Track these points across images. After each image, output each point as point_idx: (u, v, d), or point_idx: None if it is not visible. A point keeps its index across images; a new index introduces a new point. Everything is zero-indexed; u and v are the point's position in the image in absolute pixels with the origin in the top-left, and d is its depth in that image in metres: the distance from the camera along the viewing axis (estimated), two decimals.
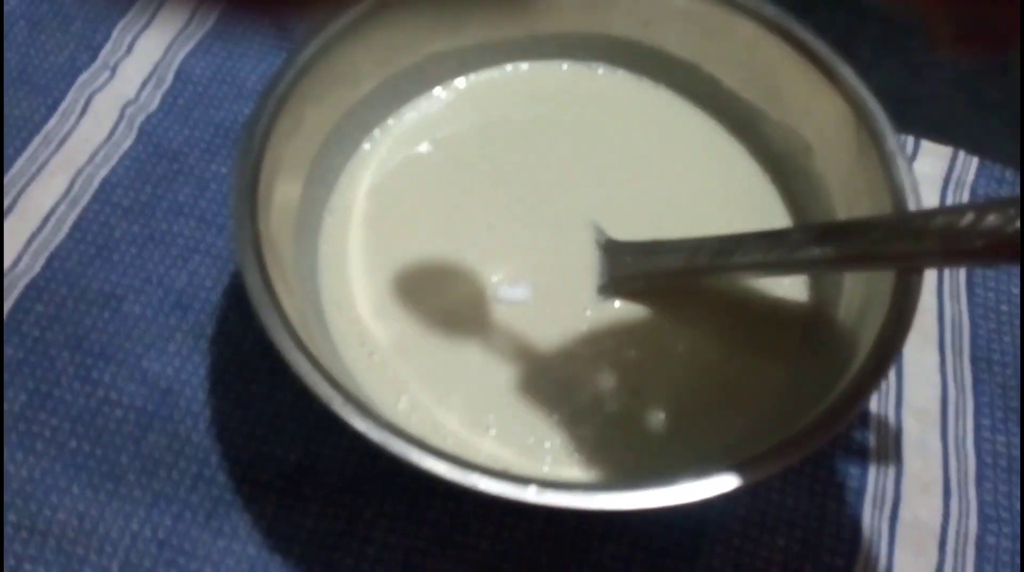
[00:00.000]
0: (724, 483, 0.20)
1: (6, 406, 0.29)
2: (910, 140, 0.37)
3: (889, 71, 0.43)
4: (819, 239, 0.24)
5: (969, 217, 0.22)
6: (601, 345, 0.27)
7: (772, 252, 0.25)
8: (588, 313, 0.27)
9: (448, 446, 0.24)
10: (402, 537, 0.27)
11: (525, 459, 0.24)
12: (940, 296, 0.33)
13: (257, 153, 0.24)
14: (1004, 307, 0.33)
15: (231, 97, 0.37)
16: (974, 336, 0.32)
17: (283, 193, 0.25)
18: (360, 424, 0.20)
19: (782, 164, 0.30)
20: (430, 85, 0.31)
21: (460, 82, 0.32)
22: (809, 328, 0.27)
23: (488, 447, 0.25)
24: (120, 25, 0.38)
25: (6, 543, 0.27)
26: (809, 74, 0.28)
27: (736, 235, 0.26)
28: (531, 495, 0.19)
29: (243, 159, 0.24)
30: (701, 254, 0.26)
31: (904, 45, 0.43)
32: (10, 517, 0.27)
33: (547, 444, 0.25)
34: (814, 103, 0.28)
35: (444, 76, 0.31)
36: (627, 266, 0.28)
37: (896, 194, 0.25)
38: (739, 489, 0.20)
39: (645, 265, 0.27)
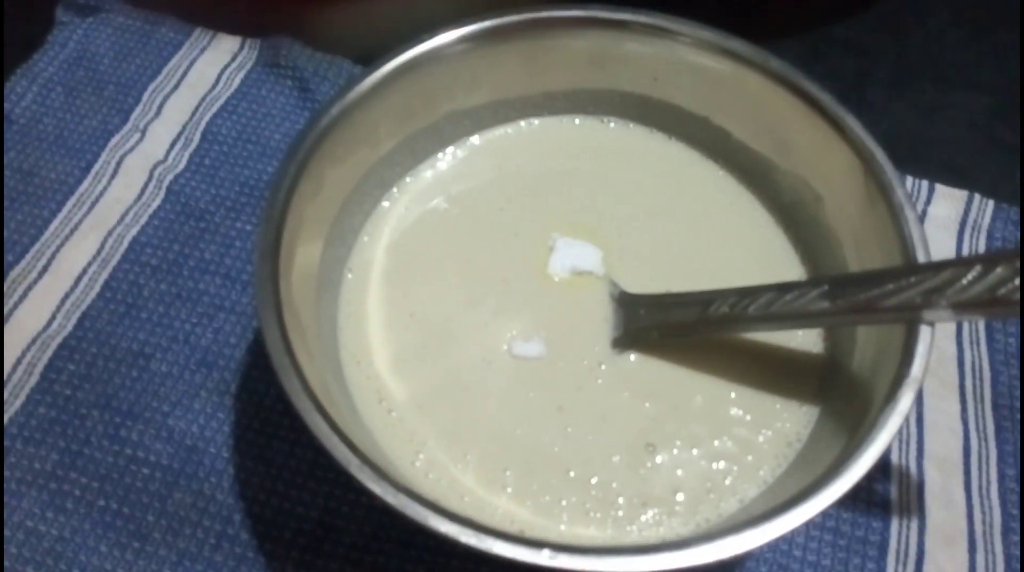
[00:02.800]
0: (742, 543, 0.20)
1: (38, 465, 0.30)
2: (924, 184, 0.37)
3: (901, 114, 0.43)
4: (829, 293, 0.24)
5: (976, 270, 0.22)
6: (617, 399, 0.27)
7: (784, 305, 0.25)
8: (603, 367, 0.28)
9: (465, 505, 0.25)
10: None
11: (542, 518, 0.24)
12: (960, 343, 0.33)
13: (279, 216, 0.25)
14: None
15: (256, 156, 0.38)
16: (995, 383, 0.32)
17: (304, 254, 0.26)
18: (377, 488, 0.20)
19: (793, 214, 0.31)
20: (446, 143, 0.32)
21: (475, 139, 0.33)
22: (825, 379, 0.27)
23: (505, 505, 0.25)
24: (150, 88, 0.40)
25: None
26: (817, 126, 0.28)
27: (748, 288, 0.26)
28: (544, 559, 0.19)
29: (266, 222, 0.25)
30: (714, 307, 0.26)
31: (916, 88, 0.43)
32: None
33: (563, 502, 0.25)
34: (823, 154, 0.28)
35: (460, 134, 0.32)
36: (641, 319, 0.28)
37: (905, 245, 0.25)
38: (757, 548, 0.20)
39: (659, 318, 0.28)
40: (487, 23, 0.30)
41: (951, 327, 0.33)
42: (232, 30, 0.41)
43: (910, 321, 0.23)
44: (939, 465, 0.30)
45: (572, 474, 0.25)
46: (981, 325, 0.33)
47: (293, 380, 0.22)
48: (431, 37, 0.29)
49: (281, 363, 0.22)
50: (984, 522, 0.29)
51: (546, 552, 0.19)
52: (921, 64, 0.44)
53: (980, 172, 0.39)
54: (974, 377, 0.32)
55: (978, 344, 0.33)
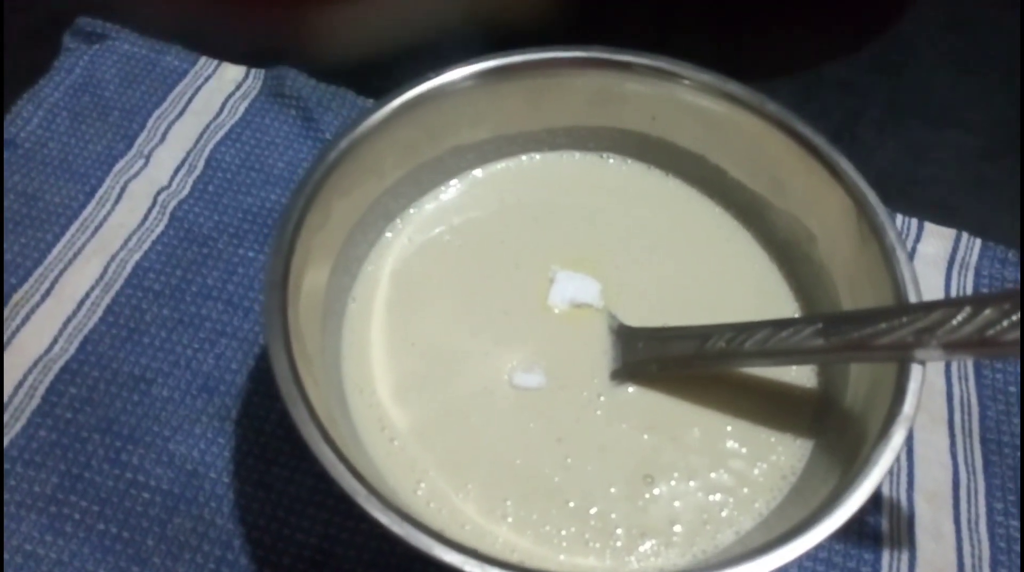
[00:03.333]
0: None
1: (38, 488, 0.30)
2: (914, 222, 0.38)
3: (892, 153, 0.44)
4: (824, 330, 0.25)
5: (966, 311, 0.23)
6: (616, 430, 0.27)
7: (779, 342, 0.26)
8: (602, 399, 0.28)
9: (466, 533, 0.25)
10: None
11: (542, 548, 0.25)
12: (948, 378, 0.34)
13: (288, 247, 0.25)
14: (1012, 388, 0.33)
15: (259, 183, 0.38)
16: (983, 417, 0.33)
17: (311, 283, 0.27)
18: (383, 517, 0.21)
19: (788, 252, 0.31)
20: (449, 175, 0.33)
21: (478, 172, 0.33)
22: (819, 414, 0.28)
23: (505, 535, 0.25)
24: (155, 115, 0.40)
25: None
26: (811, 168, 0.29)
27: (745, 324, 0.27)
28: None
29: (275, 254, 0.25)
30: (711, 342, 0.27)
31: (907, 127, 0.44)
32: None
33: (563, 532, 0.25)
34: (817, 195, 0.29)
35: (463, 167, 0.33)
36: (639, 352, 0.29)
37: (897, 285, 0.26)
38: None
39: (657, 351, 0.28)
40: (492, 62, 0.30)
41: (940, 363, 0.34)
42: (235, 47, 0.42)
43: (902, 359, 0.24)
44: (929, 498, 0.31)
45: (572, 504, 0.26)
46: (970, 361, 0.34)
47: (301, 409, 0.22)
48: (438, 75, 0.30)
49: (289, 392, 0.23)
50: (973, 555, 0.30)
51: None
52: (912, 104, 0.45)
53: (969, 210, 0.40)
54: (963, 412, 0.33)
55: (966, 379, 0.34)
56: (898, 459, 0.31)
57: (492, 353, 0.29)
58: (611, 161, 0.34)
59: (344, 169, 0.28)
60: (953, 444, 0.32)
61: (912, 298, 0.25)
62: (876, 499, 0.31)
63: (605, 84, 0.32)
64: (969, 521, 0.30)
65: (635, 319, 0.30)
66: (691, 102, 0.31)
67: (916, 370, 0.24)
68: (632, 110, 0.32)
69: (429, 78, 0.30)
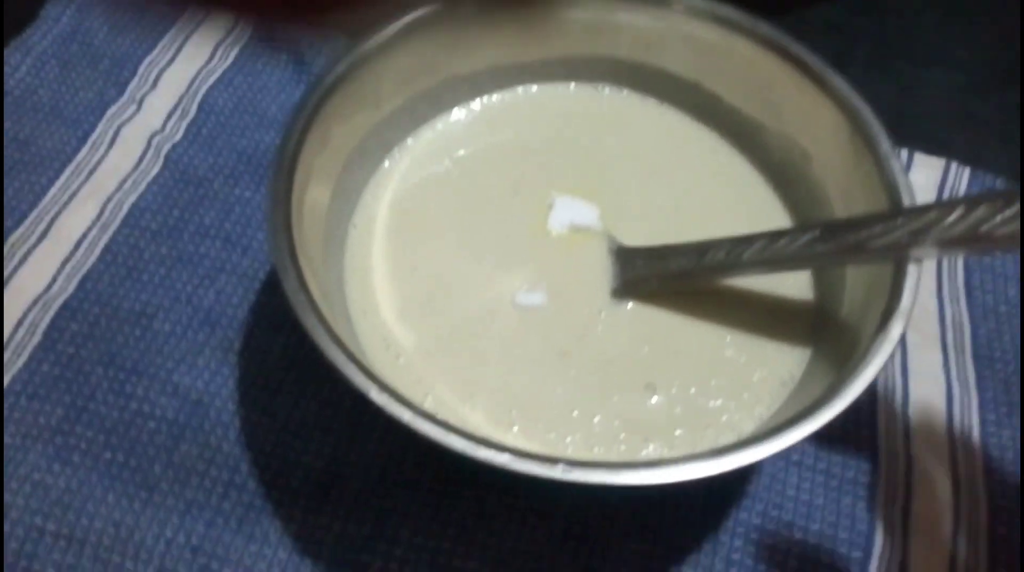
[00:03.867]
0: (744, 457, 0.21)
1: (43, 420, 0.30)
2: (904, 153, 0.38)
3: (880, 91, 0.44)
4: (821, 235, 0.25)
5: (960, 210, 0.23)
6: (616, 343, 0.28)
7: (777, 250, 0.26)
8: (603, 315, 0.28)
9: None
10: (428, 539, 0.28)
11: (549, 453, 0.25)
12: (940, 299, 0.35)
13: (289, 165, 0.25)
14: (1003, 308, 0.34)
15: (252, 126, 0.38)
16: (975, 336, 0.33)
17: (312, 204, 0.27)
18: (405, 414, 0.21)
19: (782, 172, 0.32)
20: (446, 107, 0.33)
21: (474, 104, 0.33)
22: (816, 323, 0.28)
23: (512, 442, 0.25)
24: (146, 61, 0.40)
25: (45, 552, 0.27)
26: (804, 87, 0.30)
27: (743, 236, 0.27)
28: (559, 472, 0.20)
29: (277, 170, 0.25)
30: (710, 255, 0.27)
31: (894, 66, 0.45)
32: (49, 526, 0.28)
33: (568, 439, 0.26)
34: (810, 113, 0.30)
35: (459, 98, 0.33)
36: (638, 269, 0.29)
37: (892, 193, 0.26)
38: (757, 462, 0.21)
39: (657, 268, 0.29)
40: None
41: (932, 285, 0.35)
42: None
43: (898, 259, 0.25)
44: (924, 412, 0.32)
45: (575, 413, 0.26)
46: (960, 283, 0.35)
47: (311, 316, 0.22)
48: (434, 3, 0.30)
49: (297, 300, 0.23)
50: (967, 464, 0.30)
51: (560, 466, 0.20)
52: (898, 44, 0.45)
53: (957, 144, 0.41)
54: (955, 331, 0.34)
55: (958, 301, 0.34)
56: (893, 376, 0.32)
57: (494, 276, 0.29)
58: (607, 91, 0.34)
59: (342, 93, 0.28)
60: (946, 361, 0.33)
61: (907, 203, 0.26)
62: (872, 414, 0.31)
63: (599, 13, 0.32)
64: (963, 432, 0.31)
65: (633, 242, 0.30)
66: (684, 29, 0.31)
67: (912, 270, 0.25)
68: (626, 39, 0.32)
69: (424, 6, 0.30)
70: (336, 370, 0.22)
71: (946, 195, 0.37)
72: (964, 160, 0.39)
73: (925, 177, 0.38)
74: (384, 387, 0.21)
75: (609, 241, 0.30)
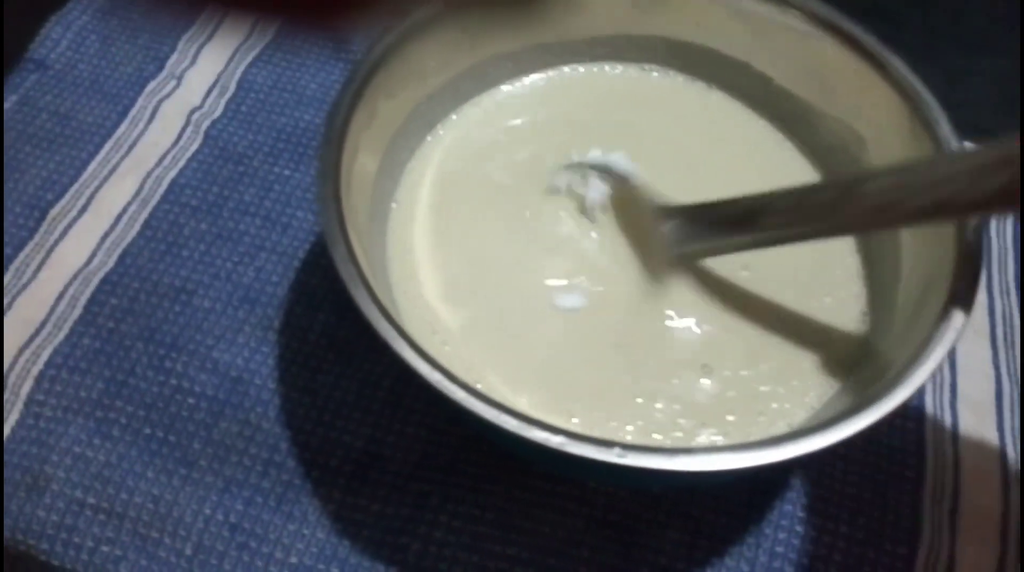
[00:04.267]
0: (796, 448, 0.20)
1: (84, 393, 0.30)
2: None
3: (928, 79, 0.44)
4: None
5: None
6: (669, 325, 0.27)
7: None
8: (653, 297, 0.28)
9: None
10: (467, 522, 0.28)
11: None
12: (990, 292, 0.34)
13: (339, 138, 0.25)
14: None
15: (291, 104, 0.38)
16: None
17: (360, 179, 0.26)
18: (458, 393, 0.20)
19: (833, 158, 0.31)
20: (490, 85, 0.32)
21: (519, 82, 0.33)
22: (871, 309, 0.28)
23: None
24: (185, 38, 0.40)
25: (85, 525, 0.27)
26: (860, 67, 0.29)
27: (802, 189, 0.26)
28: (614, 456, 0.20)
29: (326, 144, 0.25)
30: (764, 216, 0.26)
31: (941, 53, 0.44)
32: (89, 499, 0.28)
33: (629, 427, 0.25)
34: (866, 96, 0.29)
35: (504, 76, 0.33)
36: (687, 234, 0.28)
37: None
38: (809, 455, 0.20)
39: (704, 232, 0.28)
40: None
41: (983, 278, 0.34)
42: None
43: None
44: (973, 408, 0.31)
45: (637, 400, 0.26)
46: (1011, 276, 0.34)
47: (360, 289, 0.22)
48: None
49: (347, 272, 0.22)
50: (1017, 462, 0.30)
51: (616, 449, 0.20)
52: (946, 30, 0.44)
53: (1005, 132, 0.40)
54: (1005, 325, 0.33)
55: (1008, 294, 0.34)
56: (943, 371, 0.31)
57: (539, 260, 0.29)
58: (654, 74, 0.34)
59: (389, 68, 0.28)
60: (996, 356, 0.32)
61: None
62: (921, 409, 0.31)
63: None
64: (1012, 430, 0.30)
65: None
66: (735, 5, 0.31)
67: (969, 261, 0.24)
68: (676, 16, 0.32)
69: None
70: (383, 342, 0.21)
71: None
72: None
73: None
74: (436, 365, 0.21)
75: (653, 202, 0.29)
